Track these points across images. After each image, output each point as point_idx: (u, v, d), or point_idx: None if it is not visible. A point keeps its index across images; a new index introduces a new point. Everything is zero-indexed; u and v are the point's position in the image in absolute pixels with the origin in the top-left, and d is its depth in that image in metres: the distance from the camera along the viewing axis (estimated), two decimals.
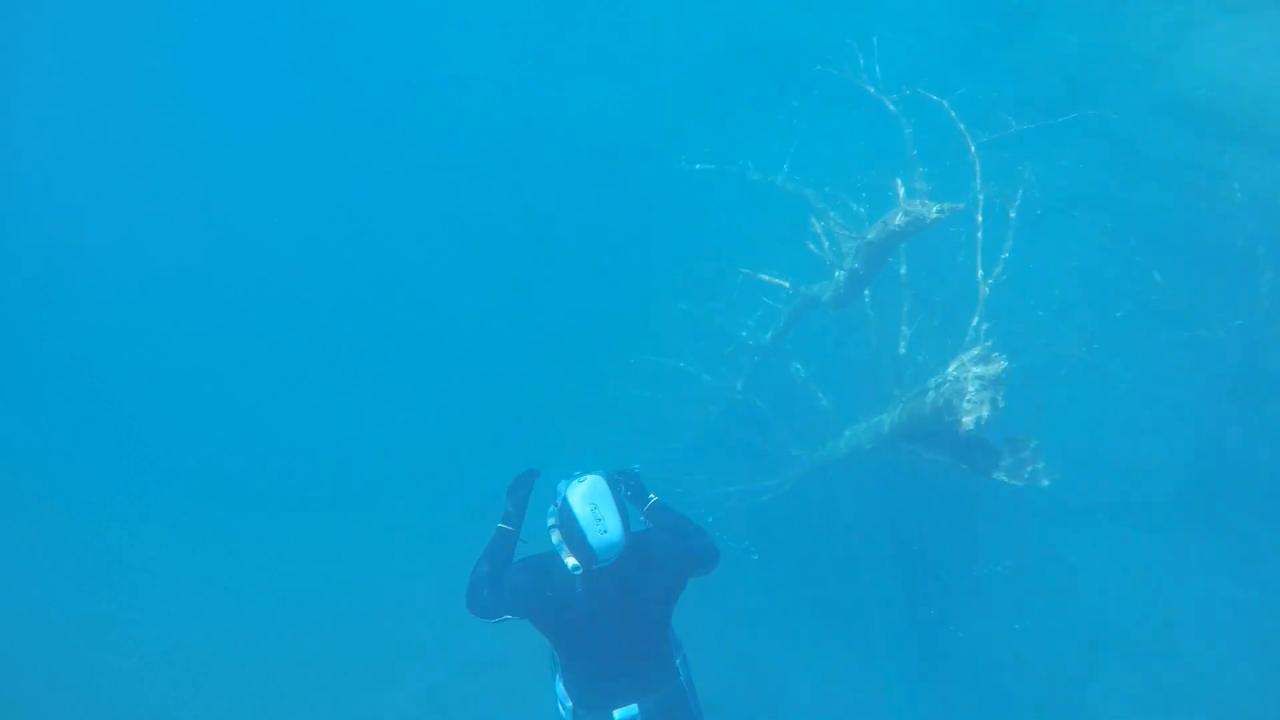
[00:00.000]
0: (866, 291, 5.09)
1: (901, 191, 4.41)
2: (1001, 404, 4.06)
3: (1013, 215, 4.88)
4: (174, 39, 9.83)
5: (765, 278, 5.16)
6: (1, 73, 9.96)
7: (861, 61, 5.03)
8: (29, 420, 8.80)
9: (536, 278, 7.85)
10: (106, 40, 9.81)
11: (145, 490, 7.99)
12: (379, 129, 9.02)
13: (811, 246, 4.78)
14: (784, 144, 5.40)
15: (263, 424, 8.30)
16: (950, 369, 4.33)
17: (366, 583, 6.78)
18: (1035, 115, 5.79)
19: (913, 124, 4.78)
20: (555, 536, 2.72)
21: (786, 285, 5.24)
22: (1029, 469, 4.52)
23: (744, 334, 5.69)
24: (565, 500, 2.67)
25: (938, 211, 4.25)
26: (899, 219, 4.33)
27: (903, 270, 5.21)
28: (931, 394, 4.35)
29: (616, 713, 2.81)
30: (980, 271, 4.65)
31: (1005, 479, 4.53)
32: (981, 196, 4.71)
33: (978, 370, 4.15)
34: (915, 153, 4.63)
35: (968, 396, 4.07)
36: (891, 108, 4.84)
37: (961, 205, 4.37)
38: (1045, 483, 4.48)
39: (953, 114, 4.71)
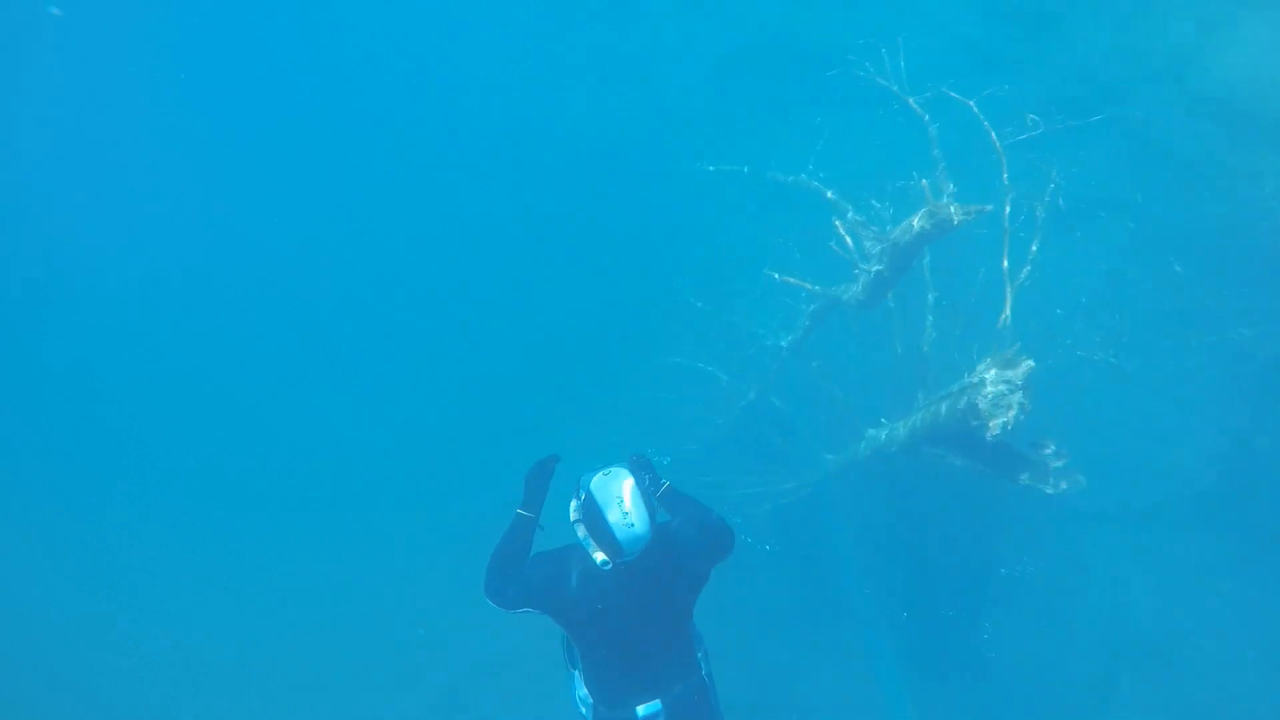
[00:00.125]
0: (889, 293, 5.06)
1: (928, 193, 4.37)
2: (1028, 409, 4.03)
3: (1039, 216, 4.83)
4: (174, 39, 9.83)
5: (789, 279, 5.13)
6: (1, 73, 10.01)
7: (886, 62, 4.99)
8: (29, 420, 8.87)
9: (559, 278, 7.86)
10: (107, 41, 9.79)
11: (157, 491, 8.05)
12: (407, 131, 9.00)
13: (835, 248, 4.75)
14: (808, 145, 5.37)
15: (280, 424, 8.36)
16: (976, 372, 4.30)
17: (384, 583, 6.83)
18: (1062, 116, 5.73)
19: (938, 125, 4.73)
20: (581, 531, 2.66)
21: (810, 287, 5.21)
22: (1055, 475, 4.50)
23: (766, 336, 5.66)
24: (589, 493, 2.61)
25: (965, 214, 4.23)
26: (926, 221, 4.30)
27: (926, 272, 5.18)
28: (957, 398, 4.33)
29: (640, 709, 2.77)
30: (1006, 273, 4.61)
31: (1031, 484, 4.51)
32: (1008, 198, 4.67)
33: (1004, 374, 4.13)
34: (940, 154, 4.59)
35: (994, 401, 4.05)
36: (917, 108, 4.80)
37: (989, 207, 4.34)
38: (1070, 488, 4.46)
39: (979, 114, 4.67)
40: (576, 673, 2.96)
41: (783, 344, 5.55)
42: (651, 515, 2.59)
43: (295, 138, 9.46)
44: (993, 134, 4.63)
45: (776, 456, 5.70)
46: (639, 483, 2.63)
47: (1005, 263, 4.63)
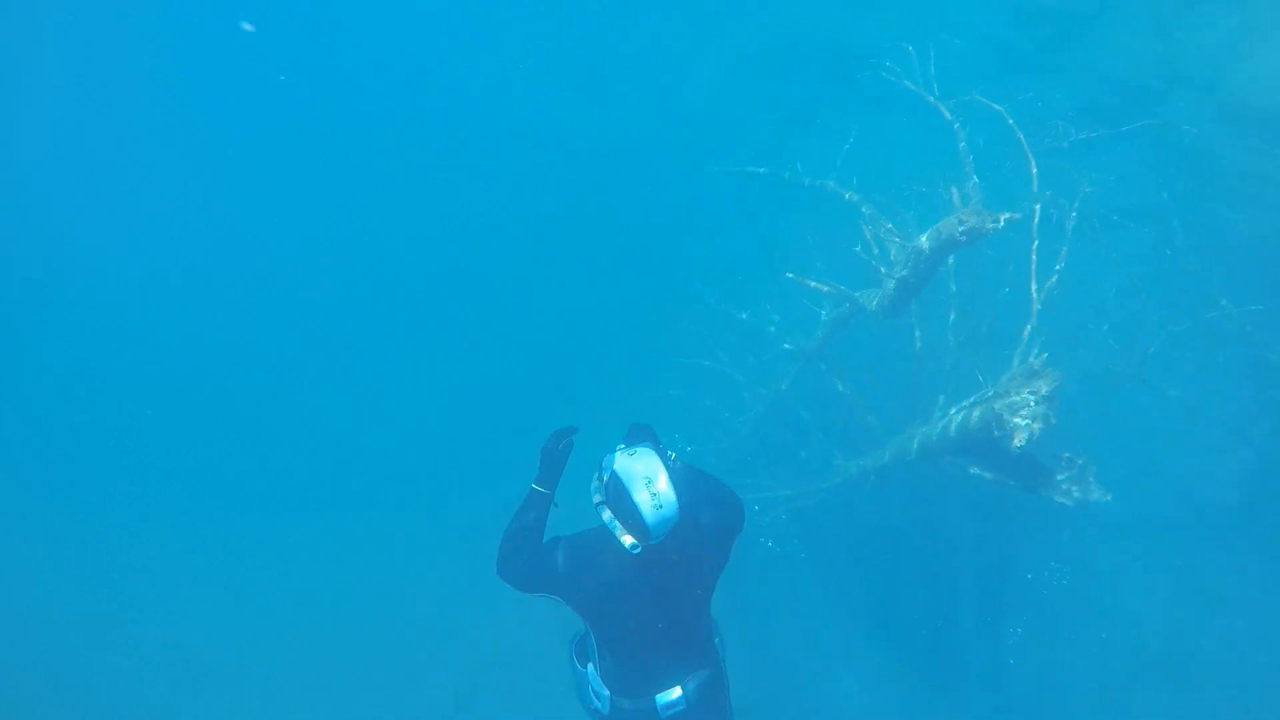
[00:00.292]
0: (913, 301, 5.01)
1: (957, 200, 4.32)
2: (1054, 421, 3.98)
3: (1069, 225, 4.77)
4: (175, 39, 9.80)
5: (811, 283, 5.09)
6: (2, 73, 10.05)
7: (916, 65, 4.93)
8: (29, 420, 8.92)
9: (580, 278, 7.85)
10: (107, 41, 9.80)
11: (157, 491, 8.12)
12: (433, 133, 8.99)
13: (860, 253, 4.70)
14: (834, 148, 5.32)
15: (284, 423, 8.40)
16: (1001, 382, 4.25)
17: (391, 581, 6.86)
18: (1094, 123, 5.66)
19: (967, 131, 4.67)
20: (606, 514, 2.52)
21: (833, 292, 5.17)
22: (1075, 486, 4.44)
23: (786, 340, 5.63)
24: (615, 475, 2.47)
25: (993, 222, 4.17)
26: (953, 228, 4.25)
27: (951, 281, 5.12)
28: (981, 408, 4.27)
29: (659, 697, 2.69)
30: (1034, 282, 4.55)
31: (1051, 495, 4.46)
32: (1037, 206, 4.60)
33: (1030, 385, 4.07)
34: (969, 160, 4.53)
35: (1019, 412, 3.99)
36: (947, 114, 4.74)
37: (1017, 216, 4.28)
38: (1091, 500, 4.41)
39: (1011, 122, 4.61)
40: (590, 666, 2.87)
41: (803, 348, 5.51)
42: (680, 496, 2.45)
43: (313, 138, 9.46)
44: (1024, 141, 4.56)
45: (793, 460, 5.68)
46: (666, 463, 2.50)
47: (1032, 272, 4.57)
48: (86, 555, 7.49)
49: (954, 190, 4.39)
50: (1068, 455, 4.35)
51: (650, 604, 2.62)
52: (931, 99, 4.85)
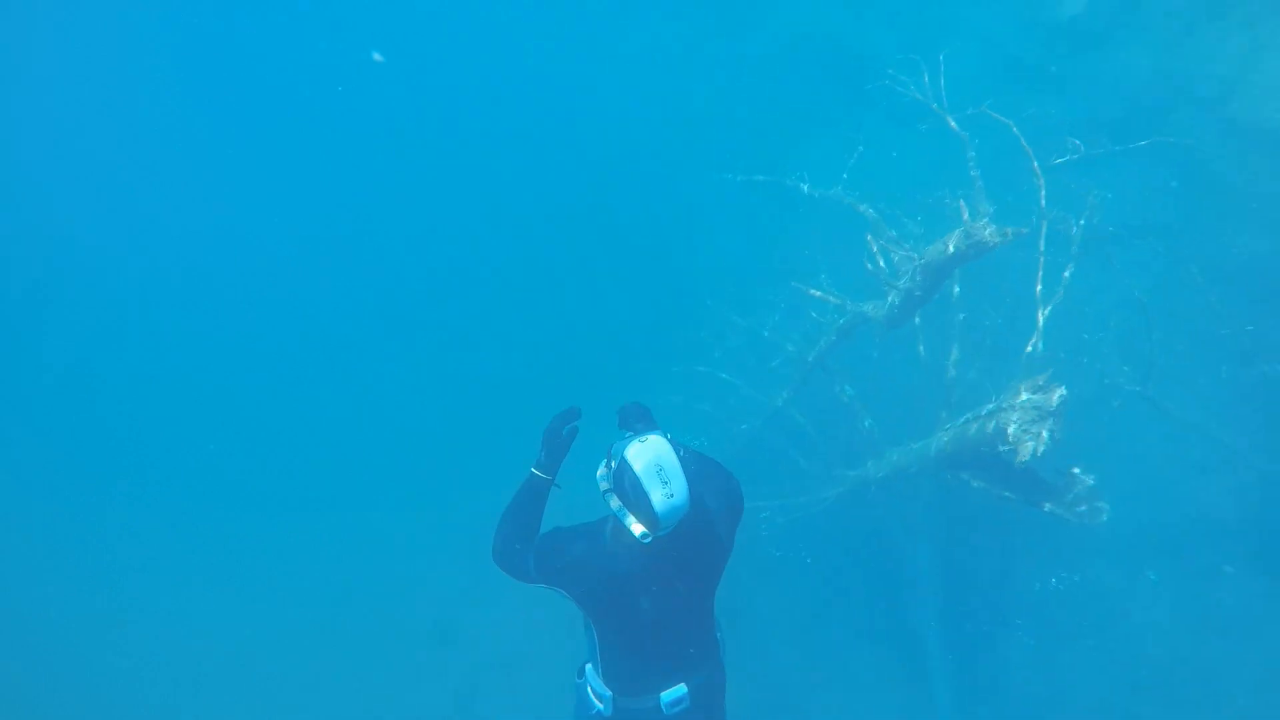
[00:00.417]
0: (918, 313, 5.01)
1: (965, 213, 4.32)
2: (1059, 436, 3.97)
3: (1075, 241, 4.77)
4: (175, 39, 9.79)
5: (816, 293, 5.09)
6: (2, 73, 10.03)
7: (925, 77, 4.93)
8: (29, 420, 8.89)
9: (583, 284, 7.84)
10: (107, 41, 9.79)
11: (157, 491, 8.08)
12: (436, 138, 8.99)
13: (866, 264, 4.70)
14: (841, 158, 5.31)
15: (294, 422, 8.39)
16: (1006, 397, 4.24)
17: (396, 579, 6.83)
18: (1102, 138, 5.66)
19: (976, 144, 4.67)
20: (614, 503, 2.42)
21: (837, 301, 5.17)
22: (1079, 503, 4.43)
23: (790, 348, 5.62)
24: (624, 461, 2.37)
25: (1002, 236, 4.17)
26: (961, 242, 4.25)
27: (956, 292, 5.11)
28: (984, 421, 4.27)
29: (664, 694, 2.62)
30: (1039, 297, 4.55)
31: (1054, 512, 4.44)
32: (1045, 221, 4.60)
33: (1035, 400, 4.06)
34: (978, 173, 4.53)
35: (1023, 427, 3.99)
36: (955, 126, 4.74)
37: (1026, 230, 4.28)
38: (1095, 517, 4.39)
39: (1019, 136, 4.60)
40: (589, 668, 2.80)
41: (806, 358, 5.50)
42: (691, 485, 2.38)
43: (317, 139, 9.43)
44: (1032, 156, 4.56)
45: (794, 470, 5.66)
46: (678, 451, 2.43)
47: (1039, 287, 4.57)
48: (86, 555, 7.47)
49: (962, 203, 4.39)
50: (1075, 471, 4.34)
51: (657, 597, 2.55)
52: (941, 111, 4.85)
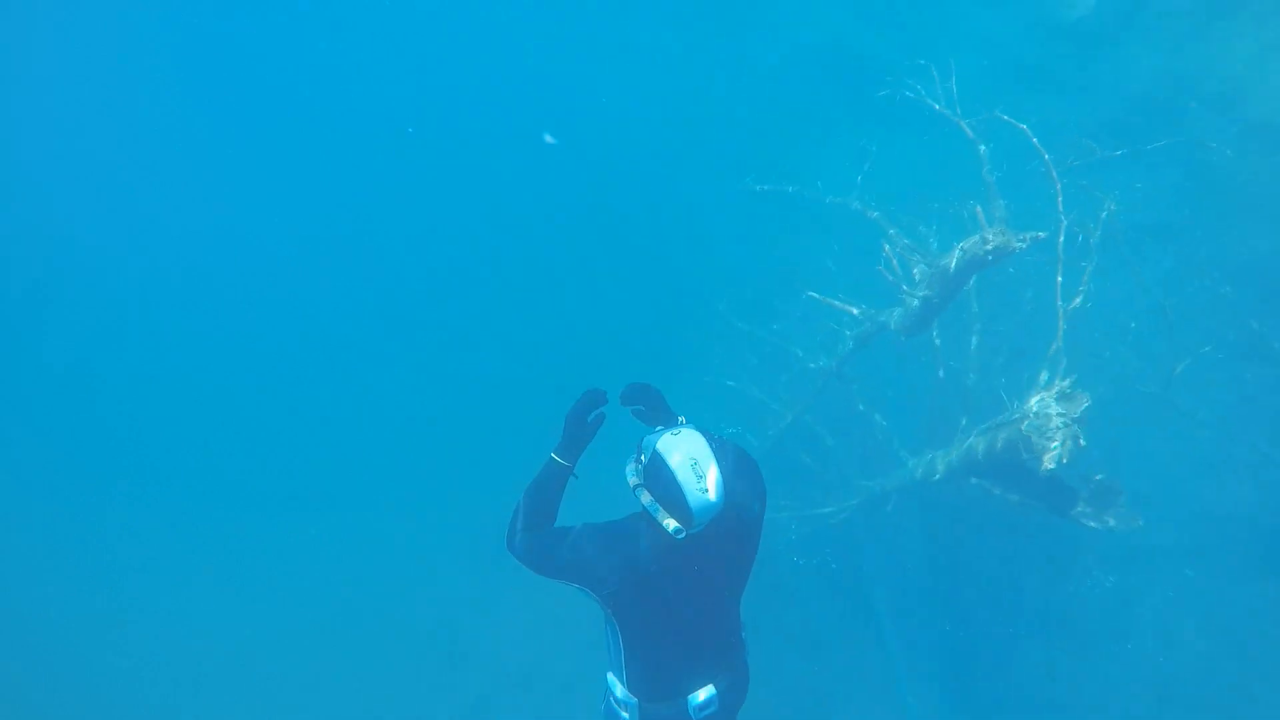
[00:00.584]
0: (935, 320, 4.96)
1: (981, 219, 4.28)
2: (1084, 443, 3.92)
3: (1093, 244, 4.72)
4: (175, 40, 9.79)
5: (832, 302, 5.05)
6: (2, 73, 10.06)
7: (938, 83, 4.90)
8: (29, 420, 8.89)
9: (598, 293, 7.82)
10: (107, 41, 9.79)
11: (158, 491, 8.07)
12: (451, 143, 9.00)
13: (882, 271, 4.66)
14: (856, 165, 5.29)
15: (304, 427, 8.37)
16: (1030, 404, 4.19)
17: (408, 590, 6.79)
18: (1116, 141, 5.61)
19: (989, 149, 4.63)
20: (646, 498, 2.31)
21: (853, 310, 5.12)
22: (1103, 510, 4.37)
23: (806, 358, 5.57)
24: (657, 455, 2.27)
25: (1019, 241, 4.13)
26: (978, 248, 4.21)
27: (973, 299, 5.07)
28: (1008, 429, 4.22)
29: (691, 698, 2.53)
30: (1059, 302, 4.50)
31: (1078, 519, 4.39)
32: (1062, 225, 4.56)
33: (1059, 408, 4.01)
34: (993, 179, 4.49)
35: (1048, 435, 3.93)
36: (968, 131, 4.70)
37: (1043, 235, 4.24)
38: (1119, 524, 4.34)
39: (1034, 140, 4.57)
40: (611, 675, 2.69)
41: (823, 367, 5.46)
42: (726, 480, 2.26)
43: (325, 140, 9.43)
44: (1048, 160, 4.52)
45: (812, 479, 5.61)
46: (711, 444, 2.32)
47: (1058, 291, 4.52)
48: (86, 555, 7.45)
49: (978, 209, 4.35)
50: (1099, 478, 4.28)
51: (689, 592, 2.46)
52: (954, 116, 4.81)
